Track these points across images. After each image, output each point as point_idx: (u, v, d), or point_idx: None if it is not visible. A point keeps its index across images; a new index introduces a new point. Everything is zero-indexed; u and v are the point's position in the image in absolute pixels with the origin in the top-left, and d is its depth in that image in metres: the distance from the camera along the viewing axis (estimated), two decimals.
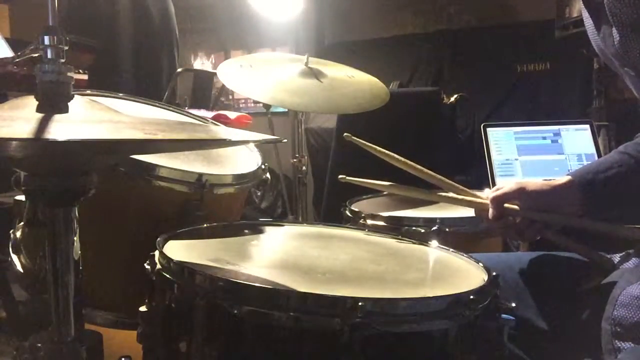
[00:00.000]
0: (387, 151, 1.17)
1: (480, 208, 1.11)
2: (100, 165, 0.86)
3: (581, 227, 1.03)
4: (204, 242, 1.00)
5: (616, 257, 1.04)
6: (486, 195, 1.10)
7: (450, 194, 1.16)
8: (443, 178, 1.16)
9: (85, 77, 2.60)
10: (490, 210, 1.06)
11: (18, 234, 1.23)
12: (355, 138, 1.19)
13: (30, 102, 0.76)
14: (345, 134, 1.21)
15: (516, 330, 0.80)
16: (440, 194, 1.20)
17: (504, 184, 1.07)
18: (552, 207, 1.04)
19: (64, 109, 0.76)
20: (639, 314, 0.86)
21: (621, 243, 1.03)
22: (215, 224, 1.10)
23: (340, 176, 1.19)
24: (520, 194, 1.04)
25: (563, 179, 1.04)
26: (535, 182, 1.07)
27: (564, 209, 1.03)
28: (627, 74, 0.98)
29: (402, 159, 1.16)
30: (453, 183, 1.16)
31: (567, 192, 1.03)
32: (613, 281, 0.94)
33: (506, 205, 1.05)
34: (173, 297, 0.80)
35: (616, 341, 0.87)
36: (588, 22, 1.01)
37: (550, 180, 1.07)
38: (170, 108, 1.50)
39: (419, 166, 1.16)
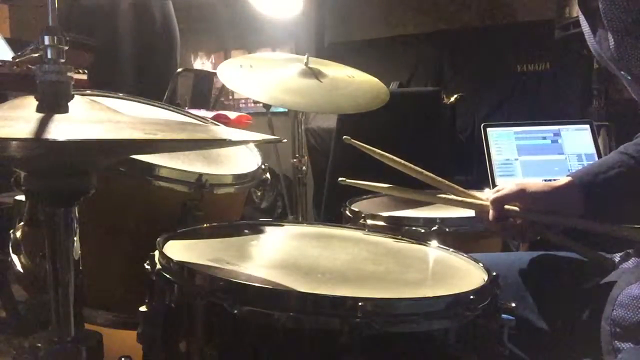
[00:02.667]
0: (387, 154, 1.17)
1: (480, 210, 1.10)
2: (100, 165, 0.86)
3: (581, 227, 1.03)
4: (204, 242, 1.00)
5: (616, 257, 1.04)
6: (486, 196, 1.10)
7: (451, 196, 1.16)
8: (443, 180, 1.16)
9: (85, 77, 2.60)
10: (491, 212, 1.06)
11: (18, 234, 1.23)
12: (354, 141, 1.19)
13: (30, 102, 0.76)
14: (344, 137, 1.20)
15: (516, 330, 0.80)
16: (441, 195, 1.20)
17: (504, 185, 1.07)
18: (553, 208, 1.03)
19: (64, 109, 0.76)
20: (638, 314, 0.86)
21: (621, 243, 1.03)
22: (215, 224, 1.10)
23: (340, 179, 1.19)
24: (520, 195, 1.04)
25: (563, 180, 1.04)
26: (535, 183, 1.06)
27: (564, 210, 1.03)
28: (624, 78, 0.98)
29: (402, 161, 1.16)
30: (453, 185, 1.16)
31: (567, 193, 1.03)
32: (612, 281, 0.94)
33: (507, 206, 1.05)
34: (173, 297, 0.80)
35: (616, 342, 0.87)
36: (584, 25, 1.01)
37: (550, 181, 1.07)
38: (170, 108, 1.50)
39: (418, 168, 1.16)
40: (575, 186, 1.03)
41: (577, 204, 1.02)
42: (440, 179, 1.16)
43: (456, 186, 1.15)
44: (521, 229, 1.07)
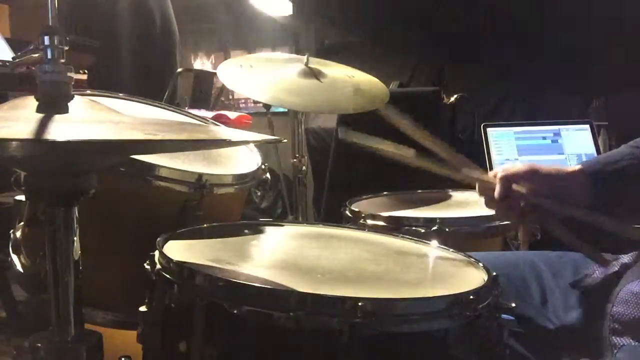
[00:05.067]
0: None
1: (486, 186, 1.06)
2: (100, 165, 0.86)
3: (586, 220, 1.02)
4: (204, 242, 1.00)
5: (624, 258, 1.03)
6: (493, 174, 1.06)
7: (459, 172, 1.10)
8: (455, 154, 1.11)
9: (85, 77, 2.60)
10: (497, 189, 1.02)
11: (18, 234, 1.23)
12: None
13: (30, 102, 0.76)
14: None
15: (520, 329, 0.80)
16: (449, 170, 1.15)
17: (515, 164, 1.05)
18: (560, 193, 1.01)
19: (64, 109, 0.76)
20: (638, 310, 0.86)
21: (626, 244, 1.02)
22: (215, 224, 1.10)
23: (345, 132, 1.15)
24: (530, 175, 1.01)
25: (574, 167, 1.03)
26: (547, 166, 1.04)
27: (571, 197, 1.01)
28: None
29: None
30: (463, 157, 1.10)
31: (576, 179, 1.01)
32: (614, 279, 0.94)
33: (514, 186, 1.02)
34: (173, 297, 0.80)
35: (614, 337, 0.87)
36: None
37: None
38: (170, 108, 1.50)
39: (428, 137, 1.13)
40: (584, 174, 1.01)
41: (584, 191, 1.01)
42: (450, 150, 1.11)
43: (465, 159, 1.10)
44: (524, 212, 1.03)
